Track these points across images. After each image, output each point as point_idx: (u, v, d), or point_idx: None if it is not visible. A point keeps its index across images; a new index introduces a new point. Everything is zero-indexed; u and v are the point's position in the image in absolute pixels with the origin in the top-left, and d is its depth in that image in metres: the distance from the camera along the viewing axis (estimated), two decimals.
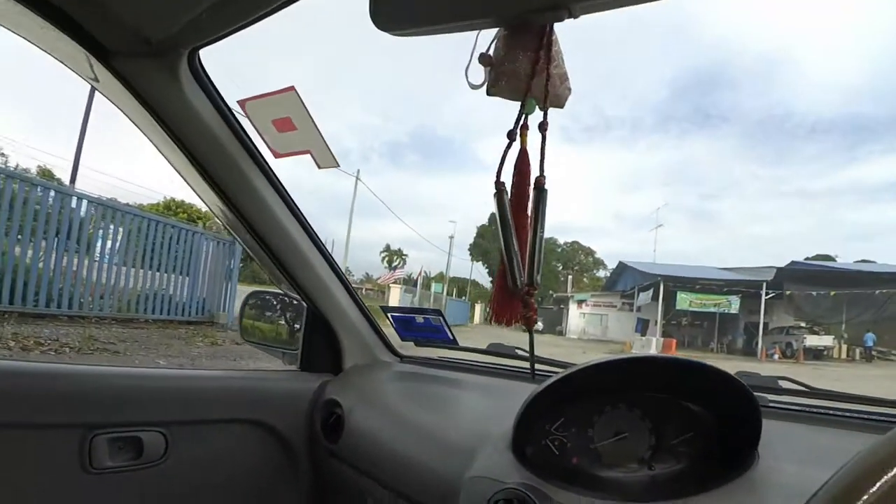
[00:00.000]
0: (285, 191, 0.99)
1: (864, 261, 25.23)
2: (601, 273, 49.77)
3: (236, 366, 5.24)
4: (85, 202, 7.01)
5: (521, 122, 0.57)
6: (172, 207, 16.87)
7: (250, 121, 0.86)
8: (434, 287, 31.68)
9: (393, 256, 46.00)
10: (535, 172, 0.58)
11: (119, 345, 5.63)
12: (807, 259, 23.97)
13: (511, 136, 0.57)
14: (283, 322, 1.24)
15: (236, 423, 1.01)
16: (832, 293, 17.45)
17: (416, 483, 0.81)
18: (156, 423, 0.91)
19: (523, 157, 0.59)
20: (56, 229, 6.36)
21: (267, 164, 0.95)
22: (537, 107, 0.56)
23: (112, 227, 7.33)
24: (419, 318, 1.05)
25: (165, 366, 4.71)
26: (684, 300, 20.40)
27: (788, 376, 0.88)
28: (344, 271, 1.20)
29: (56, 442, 0.84)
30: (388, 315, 1.08)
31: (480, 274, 49.44)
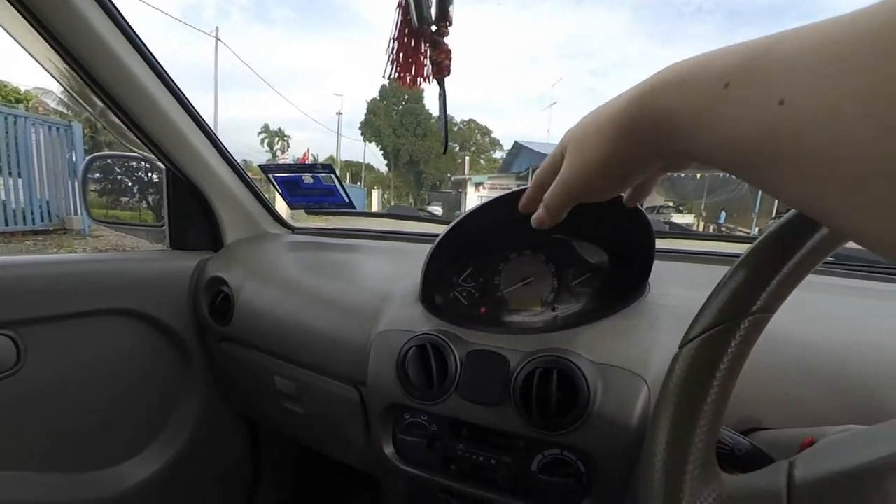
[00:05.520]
0: (138, 38, 0.77)
1: None
2: (498, 154, 50.97)
3: None
4: None
5: None
6: None
7: None
8: None
9: (273, 138, 42.01)
10: None
11: None
12: None
13: None
14: (141, 192, 1.05)
15: (104, 314, 0.86)
16: (699, 175, 19.68)
17: (322, 351, 0.77)
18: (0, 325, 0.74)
19: None
20: None
21: (113, 6, 0.73)
22: None
23: None
24: (307, 178, 0.92)
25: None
26: None
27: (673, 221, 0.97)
28: None
29: None
30: (270, 176, 0.95)
31: (375, 156, 47.93)
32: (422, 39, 0.49)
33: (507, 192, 0.59)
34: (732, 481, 0.27)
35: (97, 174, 1.15)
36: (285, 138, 42.65)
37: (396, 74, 0.52)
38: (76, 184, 7.06)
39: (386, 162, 47.46)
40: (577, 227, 0.67)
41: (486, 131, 53.27)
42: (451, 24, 0.47)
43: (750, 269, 0.26)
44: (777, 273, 0.25)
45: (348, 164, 45.49)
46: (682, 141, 0.23)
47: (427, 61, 0.50)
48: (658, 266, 0.63)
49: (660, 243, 0.90)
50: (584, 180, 0.30)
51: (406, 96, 43.45)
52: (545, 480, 0.56)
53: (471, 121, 52.64)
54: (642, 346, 0.55)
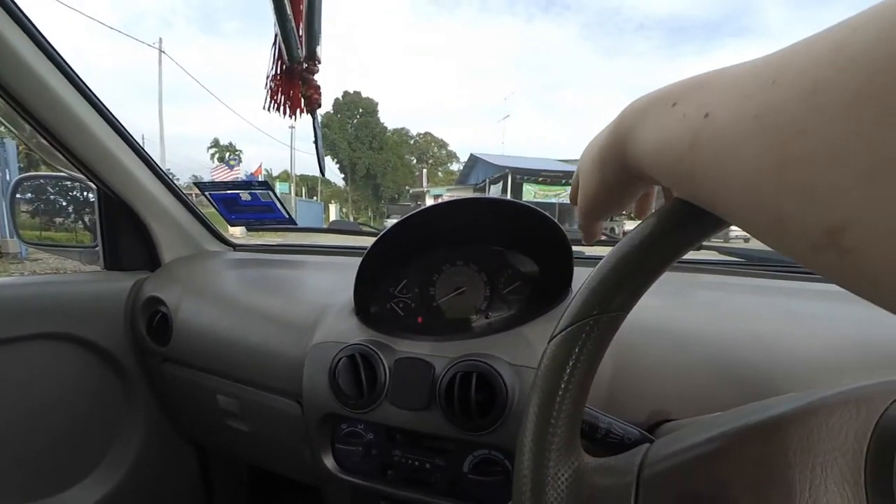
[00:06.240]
0: (59, 56, 0.76)
1: None
2: (455, 166, 51.46)
3: None
4: None
5: None
6: None
7: None
8: (279, 187, 29.45)
9: (224, 153, 40.79)
10: None
11: None
12: None
13: None
14: (76, 212, 1.02)
15: (36, 339, 0.84)
16: None
17: (262, 367, 0.77)
18: None
19: None
20: None
21: (31, 24, 0.72)
22: None
23: None
24: (245, 195, 0.92)
25: None
26: (529, 192, 21.84)
27: (605, 228, 1.03)
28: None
29: None
30: (207, 193, 0.94)
31: (331, 170, 47.28)
32: (294, 77, 0.53)
33: (428, 205, 0.63)
34: (594, 459, 0.30)
35: (28, 195, 1.11)
36: (237, 153, 41.51)
37: (274, 106, 0.56)
38: (7, 206, 6.60)
39: (343, 175, 46.98)
40: (507, 239, 0.71)
41: (442, 144, 53.76)
42: (319, 62, 0.53)
43: (604, 273, 0.29)
44: (628, 276, 0.29)
45: (304, 179, 44.75)
46: (634, 155, 0.26)
47: (298, 92, 0.55)
48: (586, 272, 0.67)
49: (590, 250, 0.96)
50: (593, 204, 0.34)
51: (360, 110, 43.35)
52: (476, 480, 0.59)
53: (427, 133, 53.02)
54: None
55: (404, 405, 0.61)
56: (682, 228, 0.27)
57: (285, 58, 0.52)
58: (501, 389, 0.55)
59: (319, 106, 0.56)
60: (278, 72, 0.54)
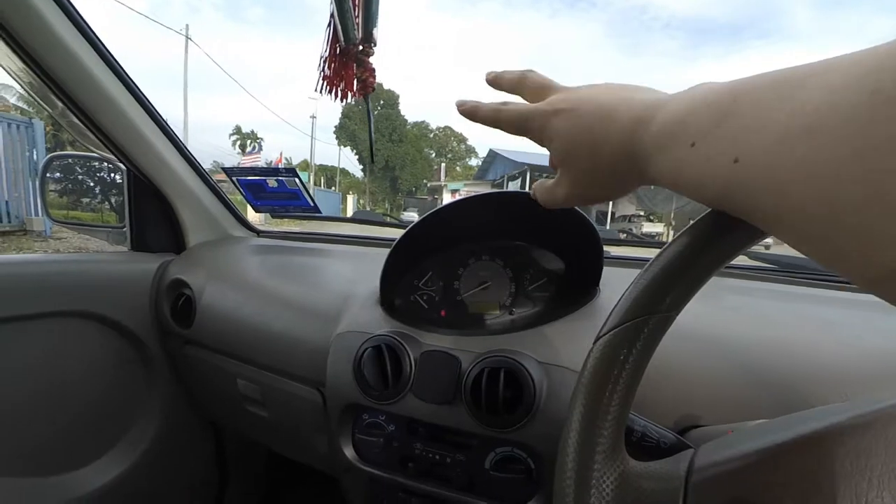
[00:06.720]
0: (97, 37, 0.77)
1: None
2: (473, 161, 51.32)
3: None
4: None
5: None
6: None
7: None
8: None
9: (246, 140, 41.45)
10: None
11: None
12: None
13: None
14: (103, 193, 1.03)
15: (62, 317, 0.85)
16: None
17: (284, 354, 0.77)
18: None
19: None
20: None
21: (70, 4, 0.72)
22: None
23: None
24: (271, 182, 0.92)
25: None
26: None
27: (625, 229, 1.02)
28: None
29: None
30: (234, 179, 0.94)
31: (350, 161, 47.53)
32: (349, 59, 0.52)
33: (461, 197, 0.62)
34: (639, 464, 0.29)
35: (57, 174, 1.13)
36: (258, 140, 42.03)
37: (327, 90, 0.55)
38: (37, 184, 6.80)
39: (361, 167, 47.17)
40: (534, 235, 0.70)
41: (461, 138, 53.58)
42: (375, 44, 0.52)
43: (655, 273, 0.28)
44: (678, 277, 0.28)
45: (323, 169, 45.05)
46: (657, 179, 0.28)
47: (353, 76, 0.54)
48: (611, 272, 0.66)
49: (615, 251, 0.95)
50: (584, 199, 0.36)
51: (381, 101, 43.39)
52: (498, 477, 0.58)
53: (447, 127, 52.87)
54: (585, 346, 0.57)
55: (429, 398, 0.60)
56: (734, 230, 0.27)
57: (340, 38, 0.51)
58: (529, 387, 0.55)
59: (373, 89, 0.55)
60: (334, 53, 0.53)
